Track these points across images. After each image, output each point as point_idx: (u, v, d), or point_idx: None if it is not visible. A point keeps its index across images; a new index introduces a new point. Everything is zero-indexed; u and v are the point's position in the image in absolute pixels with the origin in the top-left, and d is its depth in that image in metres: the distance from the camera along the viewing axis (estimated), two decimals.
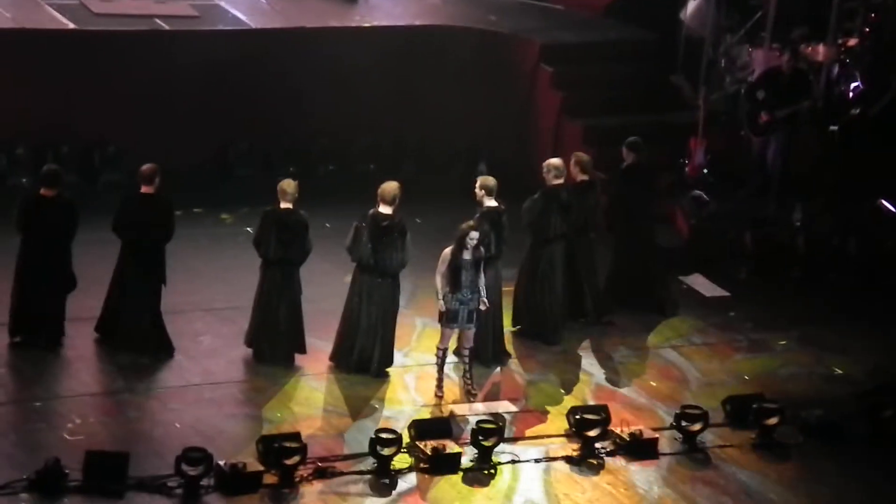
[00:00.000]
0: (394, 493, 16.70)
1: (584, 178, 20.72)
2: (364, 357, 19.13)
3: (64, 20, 23.60)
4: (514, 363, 19.98)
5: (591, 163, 21.05)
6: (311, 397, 18.74)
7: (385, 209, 19.01)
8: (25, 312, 19.68)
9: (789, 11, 24.98)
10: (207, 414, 18.08)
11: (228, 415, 17.96)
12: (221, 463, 16.22)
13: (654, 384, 19.69)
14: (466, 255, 18.52)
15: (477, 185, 19.80)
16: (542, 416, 18.71)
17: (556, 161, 20.59)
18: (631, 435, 17.75)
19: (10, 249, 19.89)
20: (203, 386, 18.59)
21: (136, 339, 19.41)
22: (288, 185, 19.43)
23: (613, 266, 21.64)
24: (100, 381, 19.01)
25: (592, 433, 17.62)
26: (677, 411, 18.33)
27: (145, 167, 19.52)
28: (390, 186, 19.07)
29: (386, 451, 16.86)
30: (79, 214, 19.53)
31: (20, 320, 19.69)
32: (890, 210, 23.30)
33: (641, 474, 17.54)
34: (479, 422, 17.70)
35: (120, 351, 19.37)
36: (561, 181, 20.41)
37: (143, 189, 19.50)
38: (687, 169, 23.74)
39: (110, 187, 22.46)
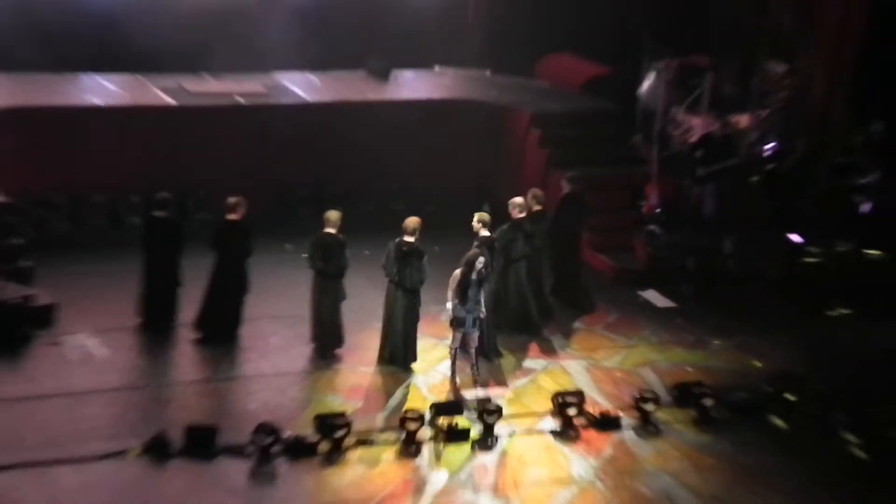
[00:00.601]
0: (418, 458, 17.17)
1: (539, 208, 21.17)
2: (395, 353, 19.64)
3: (168, 98, 24.31)
4: (506, 359, 20.21)
5: (543, 196, 21.49)
6: (355, 384, 19.07)
7: (408, 238, 19.49)
8: (150, 308, 20.30)
9: (721, 89, 24.72)
10: (275, 397, 18.57)
11: (291, 398, 18.47)
12: (286, 435, 16.85)
13: (619, 374, 19.99)
14: (473, 276, 18.98)
15: (475, 219, 20.21)
16: (531, 399, 18.99)
17: (519, 199, 20.99)
18: (601, 413, 18.23)
19: (133, 268, 20.42)
20: (271, 376, 19.11)
21: (225, 333, 20.05)
22: (332, 214, 19.95)
23: (554, 278, 22.05)
24: (196, 371, 19.59)
25: (571, 412, 18.10)
26: (636, 394, 18.72)
27: (231, 199, 20.17)
28: (412, 221, 19.63)
29: (412, 426, 17.37)
30: (184, 229, 20.49)
31: (146, 315, 20.25)
32: (796, 242, 23.58)
33: (607, 443, 17.91)
34: (483, 403, 18.15)
35: (210, 344, 19.92)
36: (524, 215, 20.84)
37: (230, 216, 20.23)
38: (644, 209, 24.10)
39: (202, 224, 22.87)
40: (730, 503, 17.52)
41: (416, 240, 19.72)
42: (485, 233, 20.26)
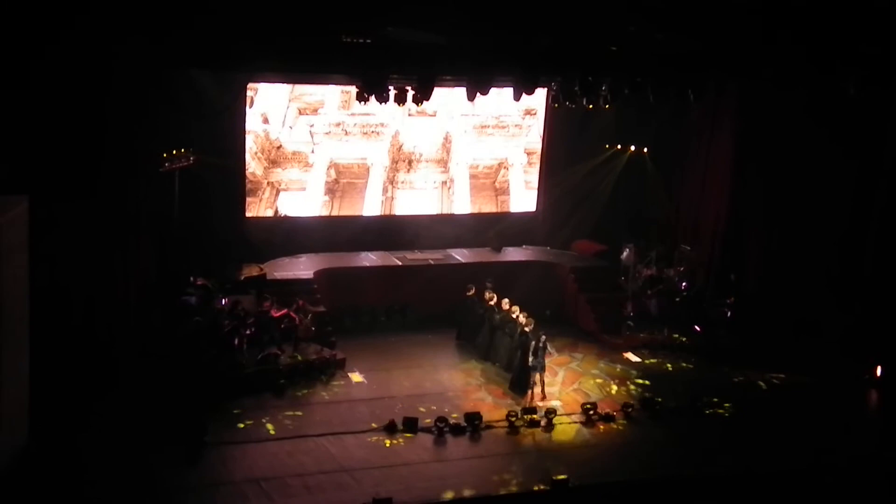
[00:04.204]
0: (516, 434, 18.42)
1: (494, 299, 21.87)
2: (512, 382, 20.27)
3: (397, 261, 25.02)
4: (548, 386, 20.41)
5: (492, 288, 22.38)
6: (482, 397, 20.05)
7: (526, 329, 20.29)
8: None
9: (658, 256, 25.27)
10: (451, 390, 20.04)
11: (460, 404, 19.39)
12: (452, 421, 18.23)
13: (609, 391, 20.66)
14: (539, 345, 19.86)
15: (523, 317, 20.84)
16: (570, 407, 19.72)
17: (487, 294, 22.05)
18: (606, 413, 19.18)
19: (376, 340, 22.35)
20: (445, 392, 20.10)
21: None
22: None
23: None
24: (413, 388, 20.34)
25: (591, 413, 19.12)
26: (623, 403, 19.60)
27: (470, 286, 22.19)
28: (528, 320, 20.61)
29: (512, 419, 18.67)
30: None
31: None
32: (697, 330, 23.85)
33: (610, 428, 18.91)
34: (547, 410, 19.13)
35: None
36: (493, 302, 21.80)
37: (470, 294, 22.13)
38: (624, 312, 24.01)
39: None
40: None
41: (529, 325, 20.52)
42: (524, 320, 20.77)
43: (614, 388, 21.12)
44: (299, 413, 18.83)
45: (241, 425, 17.81)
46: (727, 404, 20.29)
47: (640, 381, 21.60)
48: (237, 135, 23.67)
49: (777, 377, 21.85)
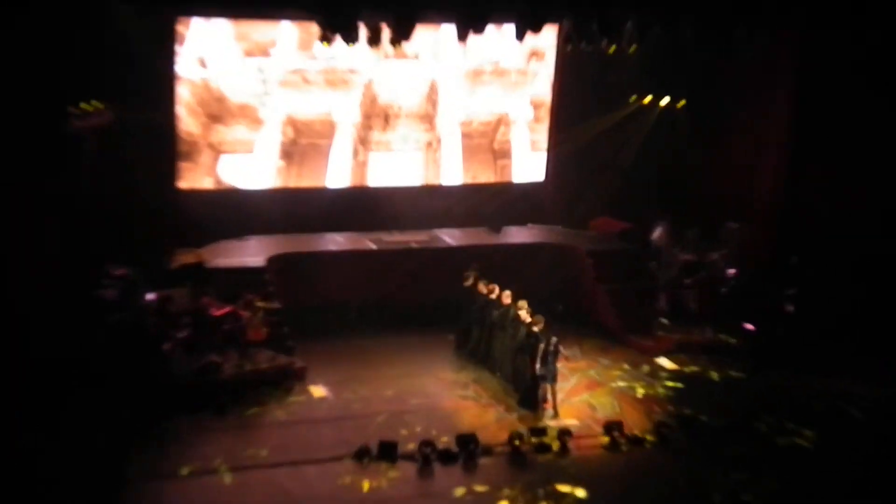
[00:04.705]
0: (520, 460, 17.98)
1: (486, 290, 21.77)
2: (520, 400, 19.89)
3: (371, 245, 24.70)
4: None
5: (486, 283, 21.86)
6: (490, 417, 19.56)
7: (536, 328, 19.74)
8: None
9: (698, 236, 25.43)
10: (439, 406, 19.74)
11: (451, 424, 19.07)
12: (440, 447, 17.79)
13: (644, 403, 20.36)
14: (549, 348, 19.58)
15: (525, 313, 20.38)
16: (589, 426, 19.27)
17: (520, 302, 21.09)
18: (635, 436, 18.88)
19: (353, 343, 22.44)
20: (433, 408, 19.69)
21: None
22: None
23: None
24: (385, 405, 19.93)
25: (616, 434, 18.81)
26: (659, 420, 19.32)
27: (467, 273, 21.86)
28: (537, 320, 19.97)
29: (516, 443, 18.31)
30: None
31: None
32: (749, 329, 23.63)
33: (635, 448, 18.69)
34: (560, 431, 18.70)
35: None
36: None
37: (466, 283, 21.81)
38: (656, 307, 24.45)
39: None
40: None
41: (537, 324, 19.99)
42: (527, 318, 20.27)
43: (641, 394, 20.74)
44: (248, 439, 18.25)
45: (185, 471, 17.02)
46: (807, 431, 19.76)
47: (675, 388, 21.30)
48: (166, 83, 22.75)
49: (852, 390, 21.35)
